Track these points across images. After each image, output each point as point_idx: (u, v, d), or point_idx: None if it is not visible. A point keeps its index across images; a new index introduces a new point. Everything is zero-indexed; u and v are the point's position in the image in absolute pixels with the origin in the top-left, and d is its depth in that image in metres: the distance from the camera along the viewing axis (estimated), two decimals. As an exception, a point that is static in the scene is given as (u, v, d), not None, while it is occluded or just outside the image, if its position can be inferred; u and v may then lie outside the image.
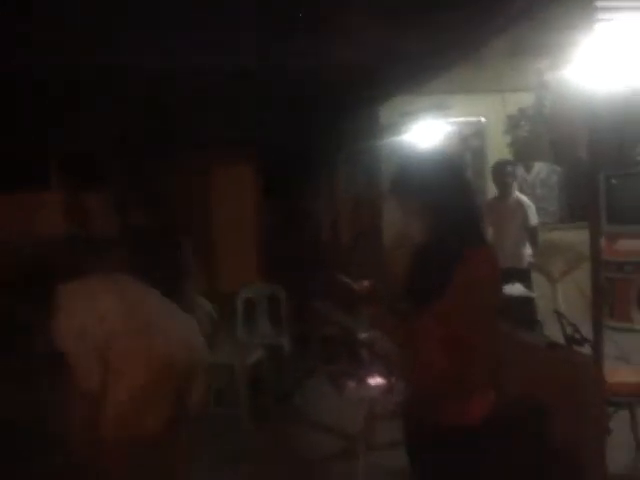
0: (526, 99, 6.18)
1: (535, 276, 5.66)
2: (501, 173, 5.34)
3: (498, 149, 6.39)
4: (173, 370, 2.70)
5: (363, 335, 4.02)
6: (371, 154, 6.24)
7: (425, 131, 5.90)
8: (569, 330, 3.39)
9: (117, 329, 2.62)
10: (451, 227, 1.85)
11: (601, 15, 3.13)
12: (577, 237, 5.44)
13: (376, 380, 2.95)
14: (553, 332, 3.95)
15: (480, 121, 6.55)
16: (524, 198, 5.41)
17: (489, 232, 5.06)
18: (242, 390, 4.45)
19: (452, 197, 1.86)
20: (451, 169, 1.92)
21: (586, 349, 3.07)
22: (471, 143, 6.57)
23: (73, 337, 2.60)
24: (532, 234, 5.28)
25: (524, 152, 6.46)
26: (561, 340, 3.50)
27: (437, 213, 1.85)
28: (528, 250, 5.28)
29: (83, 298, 2.68)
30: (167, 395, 2.69)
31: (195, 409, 2.82)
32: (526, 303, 4.64)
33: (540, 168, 6.71)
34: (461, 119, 6.42)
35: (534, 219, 5.27)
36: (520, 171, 6.52)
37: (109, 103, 5.22)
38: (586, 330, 3.06)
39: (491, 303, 1.81)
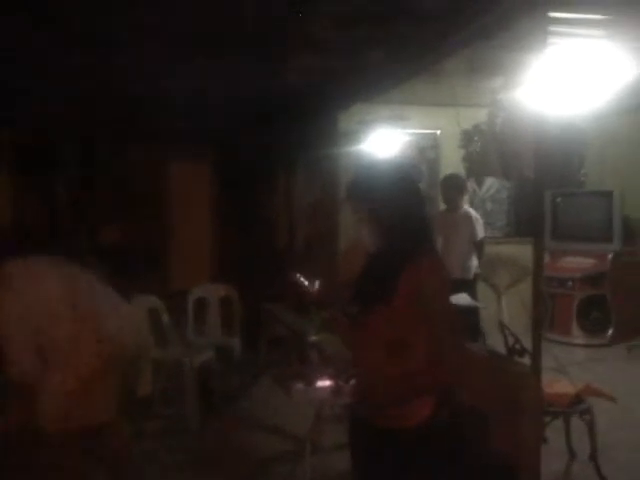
0: (480, 115, 6.36)
1: (481, 288, 5.84)
2: (447, 187, 5.49)
3: (452, 162, 6.56)
4: (118, 359, 2.70)
5: (313, 337, 4.07)
6: (329, 160, 6.31)
7: (382, 140, 6.01)
8: (511, 341, 3.52)
9: (61, 314, 2.60)
10: (401, 235, 1.91)
11: (553, 39, 3.28)
12: (522, 252, 5.65)
13: (324, 382, 2.99)
14: (496, 342, 4.09)
15: (436, 134, 6.71)
16: (472, 212, 5.57)
17: (438, 242, 5.19)
18: (190, 389, 4.43)
19: (403, 206, 1.92)
20: (403, 178, 1.99)
21: (526, 360, 3.19)
22: (428, 155, 6.72)
23: (15, 319, 2.56)
24: (478, 247, 5.44)
25: (476, 167, 6.65)
26: (503, 350, 3.63)
27: (388, 220, 1.91)
28: (474, 262, 5.44)
29: (29, 279, 2.64)
30: (111, 386, 2.68)
31: (139, 398, 2.82)
32: (471, 313, 4.78)
33: (491, 183, 6.92)
34: (418, 130, 6.56)
35: (481, 233, 5.43)
36: (472, 185, 6.72)
37: (65, 94, 5.14)
38: (527, 342, 3.18)
39: (438, 309, 1.87)
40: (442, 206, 5.85)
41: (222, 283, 5.64)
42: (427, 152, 6.73)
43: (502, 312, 6.51)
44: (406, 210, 1.92)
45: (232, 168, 6.66)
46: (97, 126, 5.91)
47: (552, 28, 3.16)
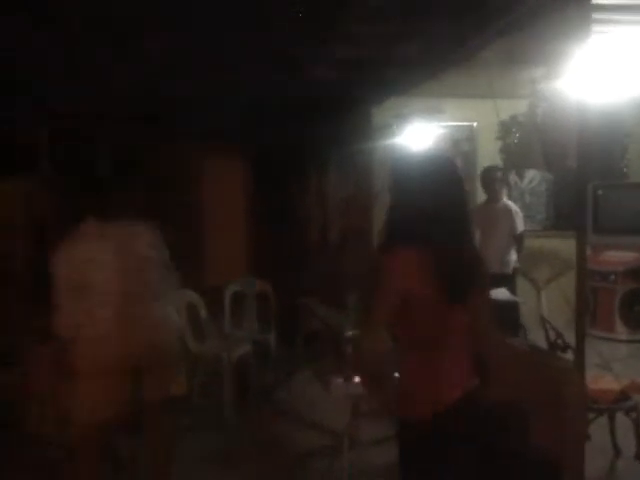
0: (518, 106, 6.24)
1: (520, 282, 5.74)
2: (489, 179, 5.39)
3: (489, 154, 6.45)
4: (144, 357, 2.73)
5: (349, 332, 4.05)
6: (362, 155, 6.27)
7: (417, 134, 5.95)
8: (552, 336, 3.45)
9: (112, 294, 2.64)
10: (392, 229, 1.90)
11: (597, 27, 3.18)
12: (563, 245, 5.54)
13: (363, 377, 2.98)
14: (537, 337, 4.01)
15: (472, 126, 6.61)
16: (512, 205, 5.47)
17: (477, 236, 5.11)
18: (227, 383, 4.46)
19: (403, 199, 1.90)
20: (447, 175, 1.95)
21: (568, 355, 3.12)
22: (462, 147, 6.63)
23: (68, 279, 2.66)
24: (518, 241, 5.34)
25: (514, 159, 6.53)
26: (544, 345, 3.57)
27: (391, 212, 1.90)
28: (514, 256, 5.34)
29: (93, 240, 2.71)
30: (128, 376, 2.70)
31: (155, 396, 2.83)
32: (511, 308, 4.70)
33: (533, 176, 6.78)
34: (453, 123, 6.47)
35: (521, 226, 5.33)
36: (513, 178, 6.61)
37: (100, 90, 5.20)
38: (569, 337, 3.11)
39: (414, 314, 1.81)
40: (480, 199, 5.76)
41: (258, 278, 5.67)
42: (462, 145, 6.64)
43: (542, 307, 6.39)
44: (412, 203, 1.88)
45: (265, 165, 6.68)
46: (130, 126, 5.96)
47: (595, 15, 3.07)
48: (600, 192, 6.53)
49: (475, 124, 6.59)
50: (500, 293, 4.25)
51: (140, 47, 4.13)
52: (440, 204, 1.87)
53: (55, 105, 5.49)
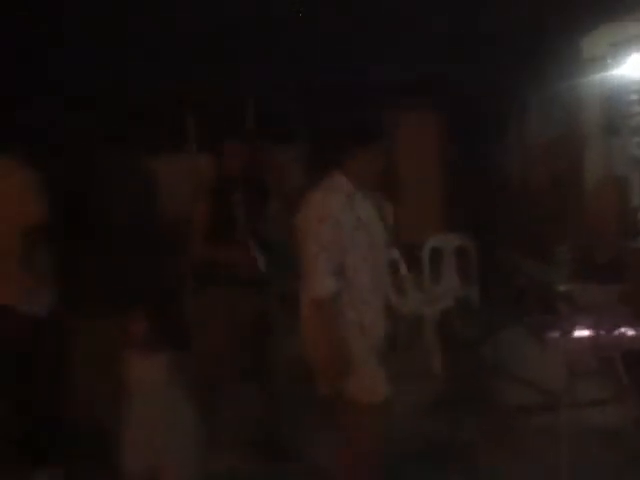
0: None
1: None
2: None
3: None
4: None
5: (562, 287, 3.75)
6: (570, 92, 5.73)
7: (634, 64, 5.28)
8: None
9: None
10: None
11: None
12: None
13: (582, 332, 2.74)
14: None
15: (701, 49, 5.68)
16: None
17: None
18: (431, 339, 4.46)
19: None
20: None
21: None
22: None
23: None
24: None
25: None
26: None
27: None
28: None
29: None
30: None
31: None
32: None
33: None
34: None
35: None
36: None
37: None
38: None
39: None
40: None
41: (457, 232, 5.53)
42: (688, 72, 5.74)
43: None
44: None
45: (461, 112, 6.42)
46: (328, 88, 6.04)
47: None
48: None
49: None
50: None
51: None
52: None
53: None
